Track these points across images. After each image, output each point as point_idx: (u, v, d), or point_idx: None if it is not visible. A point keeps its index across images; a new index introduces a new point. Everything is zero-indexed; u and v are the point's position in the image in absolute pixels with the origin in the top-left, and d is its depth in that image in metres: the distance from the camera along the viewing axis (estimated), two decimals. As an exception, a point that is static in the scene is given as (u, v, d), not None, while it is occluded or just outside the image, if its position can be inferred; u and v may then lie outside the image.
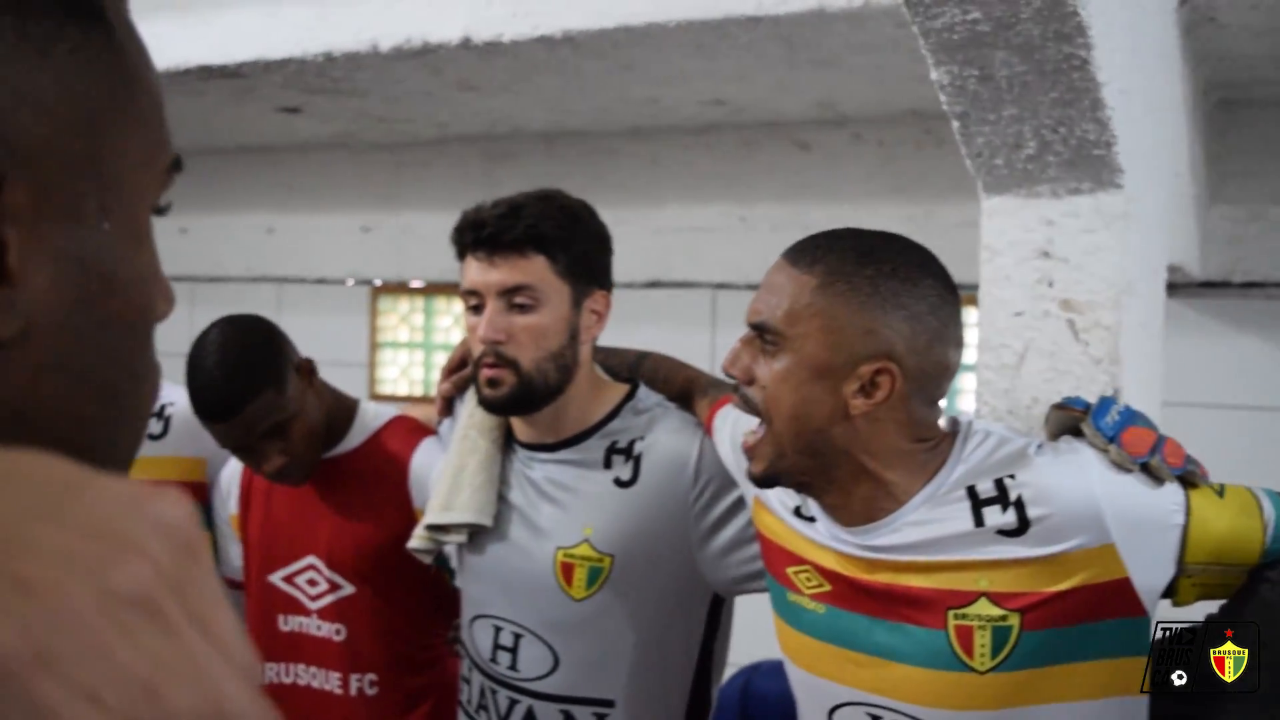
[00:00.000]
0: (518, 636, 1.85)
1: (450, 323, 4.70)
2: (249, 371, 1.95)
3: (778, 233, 3.92)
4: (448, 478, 1.91)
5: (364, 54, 3.23)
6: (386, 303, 4.70)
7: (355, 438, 2.14)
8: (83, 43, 0.52)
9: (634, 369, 1.98)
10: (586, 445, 1.85)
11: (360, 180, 4.66)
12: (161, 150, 0.57)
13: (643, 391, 1.91)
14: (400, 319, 4.71)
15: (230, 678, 0.38)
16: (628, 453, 1.83)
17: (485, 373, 1.78)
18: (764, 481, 1.44)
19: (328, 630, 2.10)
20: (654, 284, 4.07)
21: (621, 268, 1.90)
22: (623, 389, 1.91)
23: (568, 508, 1.84)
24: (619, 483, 1.82)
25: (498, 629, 1.88)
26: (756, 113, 3.73)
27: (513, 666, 1.85)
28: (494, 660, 1.88)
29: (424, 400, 4.49)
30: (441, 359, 4.48)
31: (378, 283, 4.67)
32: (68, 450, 0.51)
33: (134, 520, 0.38)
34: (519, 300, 1.75)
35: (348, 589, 2.09)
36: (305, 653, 2.13)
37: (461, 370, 1.97)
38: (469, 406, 1.93)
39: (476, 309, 1.79)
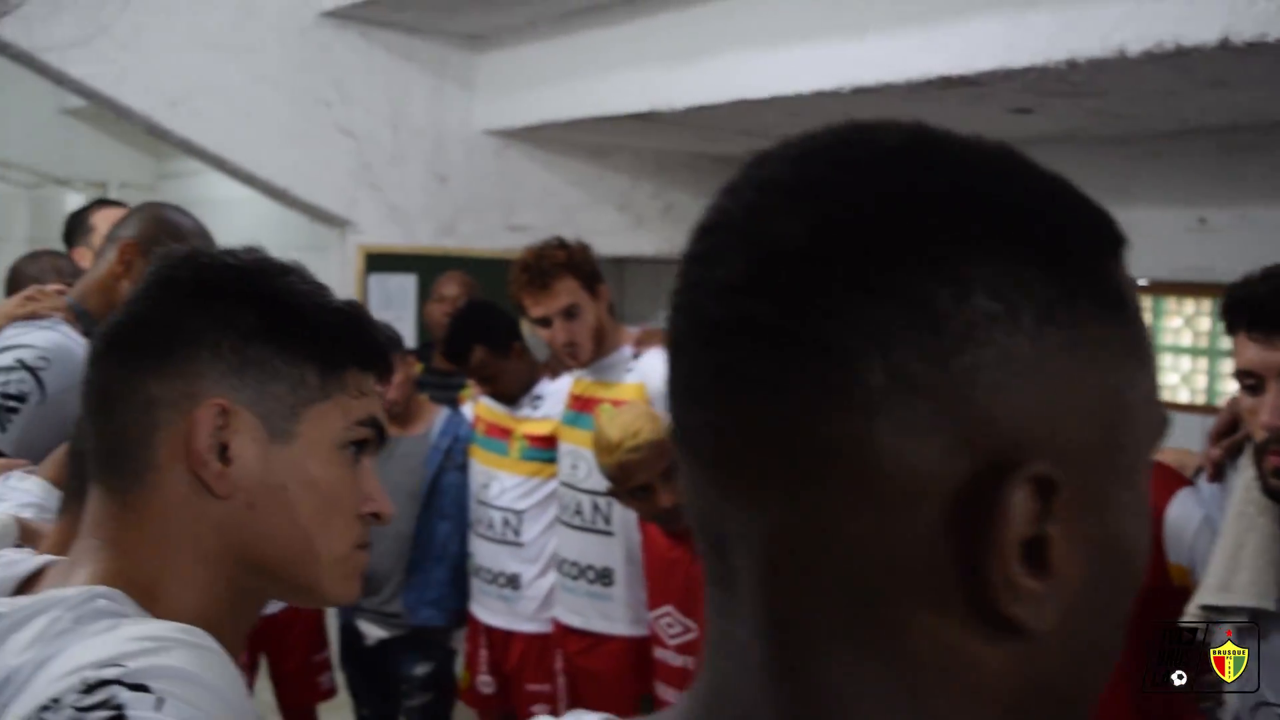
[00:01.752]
0: None
1: (1179, 324, 4.48)
2: None
3: None
4: (1225, 556, 1.80)
5: (1109, 59, 3.16)
6: (1111, 300, 4.58)
7: None
8: (1119, 337, 0.52)
9: None
10: None
11: (1085, 172, 4.38)
12: (1161, 412, 0.56)
13: None
14: (1127, 317, 4.56)
15: None
16: None
17: (1274, 460, 1.65)
18: None
19: None
20: None
21: None
22: None
23: None
24: None
25: None
26: None
27: None
28: None
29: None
30: (1171, 363, 4.31)
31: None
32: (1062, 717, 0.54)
33: None
34: None
35: None
36: None
37: (1233, 435, 1.83)
38: (1245, 478, 1.80)
39: (1252, 389, 1.68)
